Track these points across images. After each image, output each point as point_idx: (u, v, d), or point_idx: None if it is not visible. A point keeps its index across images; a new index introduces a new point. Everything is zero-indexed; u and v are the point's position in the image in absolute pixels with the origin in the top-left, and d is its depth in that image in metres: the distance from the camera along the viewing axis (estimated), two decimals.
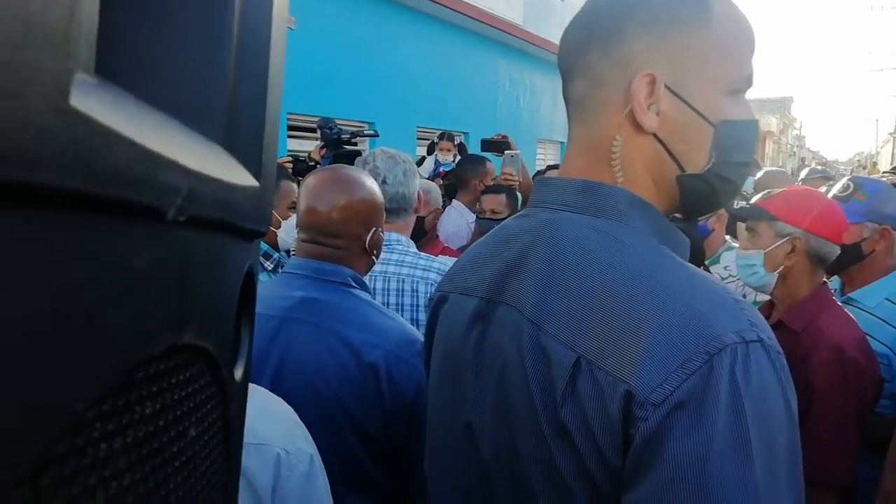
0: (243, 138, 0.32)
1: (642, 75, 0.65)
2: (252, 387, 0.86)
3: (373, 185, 1.30)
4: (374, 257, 1.31)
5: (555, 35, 9.93)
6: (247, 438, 0.77)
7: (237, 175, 0.31)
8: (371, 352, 1.14)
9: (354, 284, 1.25)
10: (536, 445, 0.61)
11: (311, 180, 1.29)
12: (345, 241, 1.24)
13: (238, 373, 0.37)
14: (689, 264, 0.65)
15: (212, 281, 0.30)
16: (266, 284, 1.53)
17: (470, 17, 7.85)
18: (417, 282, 1.67)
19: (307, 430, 0.86)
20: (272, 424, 0.81)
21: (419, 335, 1.21)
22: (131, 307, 0.22)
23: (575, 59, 0.70)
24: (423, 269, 1.71)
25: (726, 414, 0.53)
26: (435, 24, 7.67)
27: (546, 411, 0.60)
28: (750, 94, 0.72)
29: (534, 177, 3.47)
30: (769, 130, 37.11)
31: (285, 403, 0.87)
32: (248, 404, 0.82)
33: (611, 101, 0.67)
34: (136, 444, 0.23)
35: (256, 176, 0.34)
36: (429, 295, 1.65)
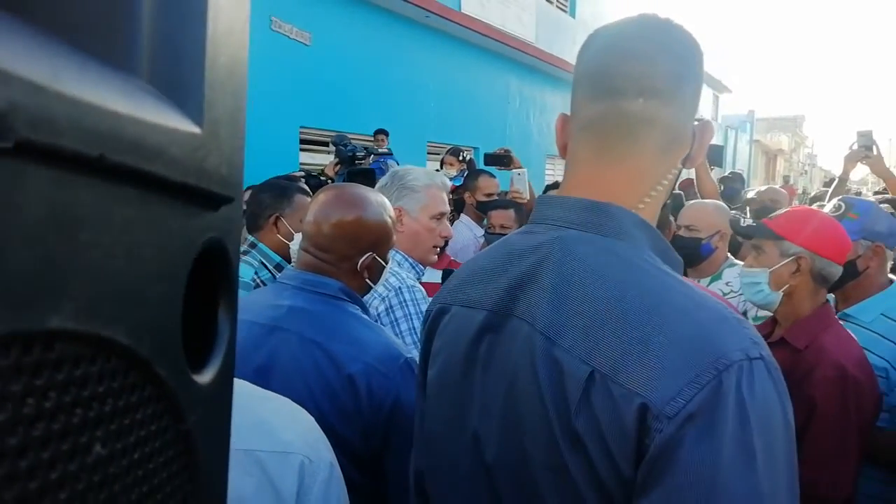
0: (168, 71, 0.26)
1: (708, 122, 0.74)
2: (272, 394, 0.88)
3: (378, 212, 1.29)
4: (368, 281, 1.30)
5: (566, 52, 10.02)
6: (273, 446, 0.80)
7: (152, 111, 0.24)
8: (350, 364, 1.15)
9: (344, 297, 1.25)
10: (548, 453, 0.64)
11: (320, 195, 1.32)
12: (333, 256, 1.25)
13: (205, 376, 0.30)
14: (691, 282, 0.69)
15: (109, 247, 0.23)
16: (256, 293, 1.54)
17: (482, 34, 7.94)
18: (372, 298, 1.62)
19: (326, 438, 0.88)
20: (296, 432, 0.83)
21: (403, 350, 1.22)
22: None
23: (647, 80, 0.71)
24: (385, 288, 1.63)
25: (734, 425, 0.56)
26: (447, 41, 7.76)
27: (560, 421, 0.63)
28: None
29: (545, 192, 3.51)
30: (780, 149, 36.98)
31: (305, 411, 0.89)
32: (274, 412, 0.84)
33: (681, 136, 0.73)
34: None
35: (196, 120, 0.27)
36: (379, 312, 1.62)
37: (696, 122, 0.74)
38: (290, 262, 2.33)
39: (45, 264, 0.20)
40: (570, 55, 10.57)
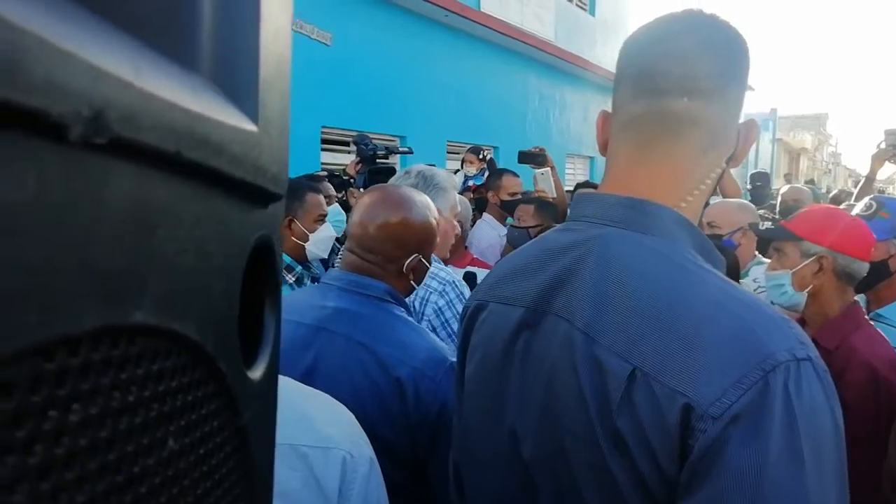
0: (228, 70, 0.26)
1: (753, 121, 0.75)
2: (313, 390, 0.89)
3: (423, 213, 1.30)
4: (412, 282, 1.31)
5: (586, 51, 9.97)
6: (316, 441, 0.80)
7: (217, 109, 0.25)
8: (397, 368, 1.15)
9: (390, 299, 1.25)
10: (588, 451, 0.64)
11: (366, 196, 1.32)
12: (379, 258, 1.25)
13: (256, 372, 0.30)
14: (734, 282, 0.68)
15: (181, 242, 0.23)
16: (301, 293, 1.55)
17: (501, 32, 7.92)
18: (430, 293, 1.67)
19: (365, 434, 0.88)
20: (338, 428, 0.84)
21: (448, 353, 1.22)
22: None
23: (691, 80, 0.70)
24: (439, 283, 1.69)
25: (781, 428, 0.55)
26: (466, 41, 7.76)
27: (601, 420, 0.63)
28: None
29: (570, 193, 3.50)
30: (803, 147, 36.42)
31: (344, 407, 0.89)
32: (316, 408, 0.85)
33: (725, 135, 0.73)
34: (48, 467, 0.17)
35: (253, 118, 0.28)
36: (440, 307, 1.66)
37: (740, 122, 0.73)
38: (300, 262, 2.34)
39: (129, 260, 0.20)
40: (590, 54, 10.54)
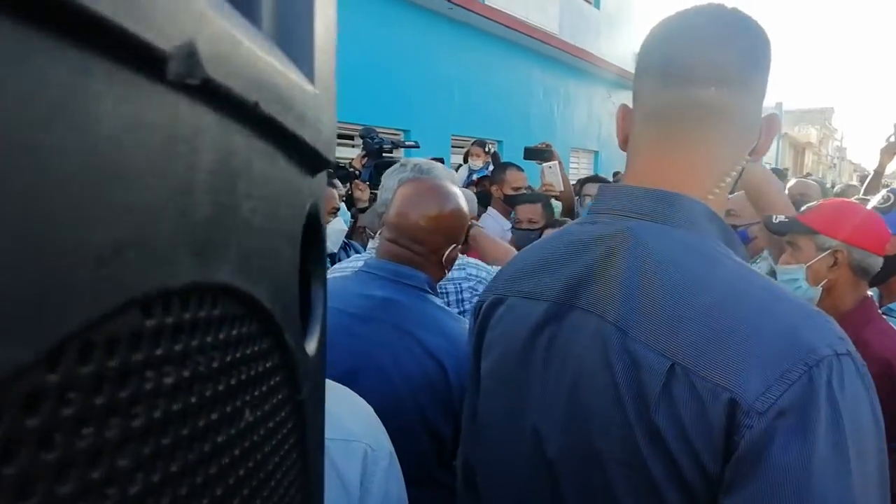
0: (286, 28, 0.25)
1: (775, 115, 0.75)
2: (332, 383, 0.87)
3: (463, 204, 1.33)
4: (446, 271, 1.34)
5: (590, 44, 9.93)
6: (337, 434, 0.79)
7: (284, 65, 0.23)
8: (444, 357, 1.16)
9: (429, 289, 1.27)
10: (623, 449, 0.63)
11: (407, 187, 1.33)
12: (425, 249, 1.27)
13: (311, 346, 0.29)
14: (769, 277, 0.68)
15: (255, 201, 0.22)
16: (342, 281, 1.57)
17: (506, 26, 7.89)
18: (448, 281, 1.70)
19: (384, 427, 0.88)
20: (358, 421, 0.84)
21: None
22: (100, 193, 0.14)
23: (719, 69, 0.70)
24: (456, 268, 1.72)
25: (826, 423, 0.55)
26: (471, 34, 7.73)
27: (638, 416, 0.62)
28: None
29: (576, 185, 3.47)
30: (808, 142, 36.29)
31: (363, 400, 0.89)
32: (335, 401, 0.82)
33: (749, 127, 0.73)
34: (139, 433, 0.15)
35: (310, 78, 0.26)
36: (460, 292, 1.67)
37: (774, 115, 0.74)
38: None
39: (217, 214, 0.19)
40: (595, 47, 10.49)
